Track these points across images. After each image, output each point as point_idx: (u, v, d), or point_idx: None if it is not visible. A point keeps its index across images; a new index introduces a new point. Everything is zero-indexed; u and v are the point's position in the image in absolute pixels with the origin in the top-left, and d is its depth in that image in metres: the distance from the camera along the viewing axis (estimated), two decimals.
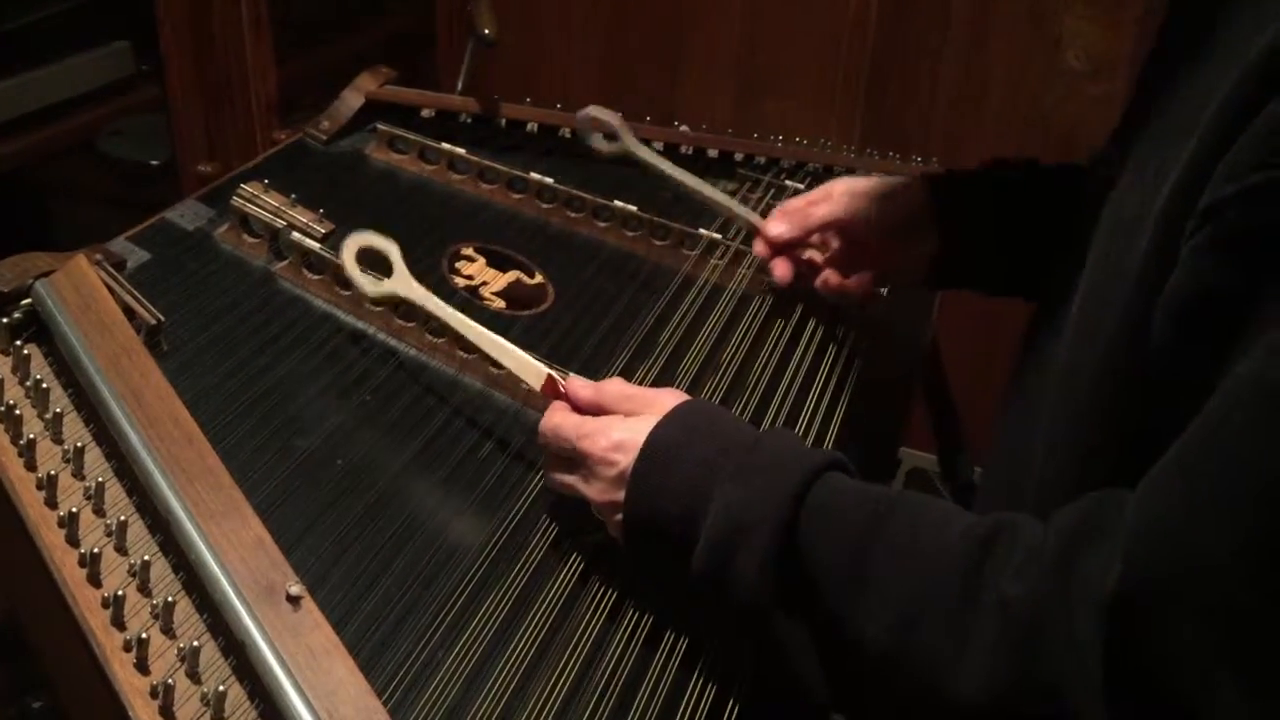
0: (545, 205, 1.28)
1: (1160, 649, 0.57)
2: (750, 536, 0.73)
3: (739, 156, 1.43)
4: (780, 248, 1.14)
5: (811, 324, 1.16)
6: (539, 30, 2.26)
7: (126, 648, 0.74)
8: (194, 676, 0.73)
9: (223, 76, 1.95)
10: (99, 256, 0.97)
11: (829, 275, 1.13)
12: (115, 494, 0.82)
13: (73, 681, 0.79)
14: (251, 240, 1.10)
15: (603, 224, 1.27)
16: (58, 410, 0.85)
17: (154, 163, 2.18)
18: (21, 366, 0.88)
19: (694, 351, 1.10)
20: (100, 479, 0.81)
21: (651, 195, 1.32)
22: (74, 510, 0.79)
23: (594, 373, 1.03)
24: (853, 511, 0.73)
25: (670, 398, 0.84)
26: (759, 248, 1.16)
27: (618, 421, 0.82)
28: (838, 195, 1.12)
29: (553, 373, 0.89)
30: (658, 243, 1.25)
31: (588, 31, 2.24)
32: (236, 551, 0.77)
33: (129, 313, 0.92)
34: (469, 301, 1.10)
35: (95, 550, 0.77)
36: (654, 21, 2.18)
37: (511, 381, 1.02)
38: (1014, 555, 0.66)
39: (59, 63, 1.96)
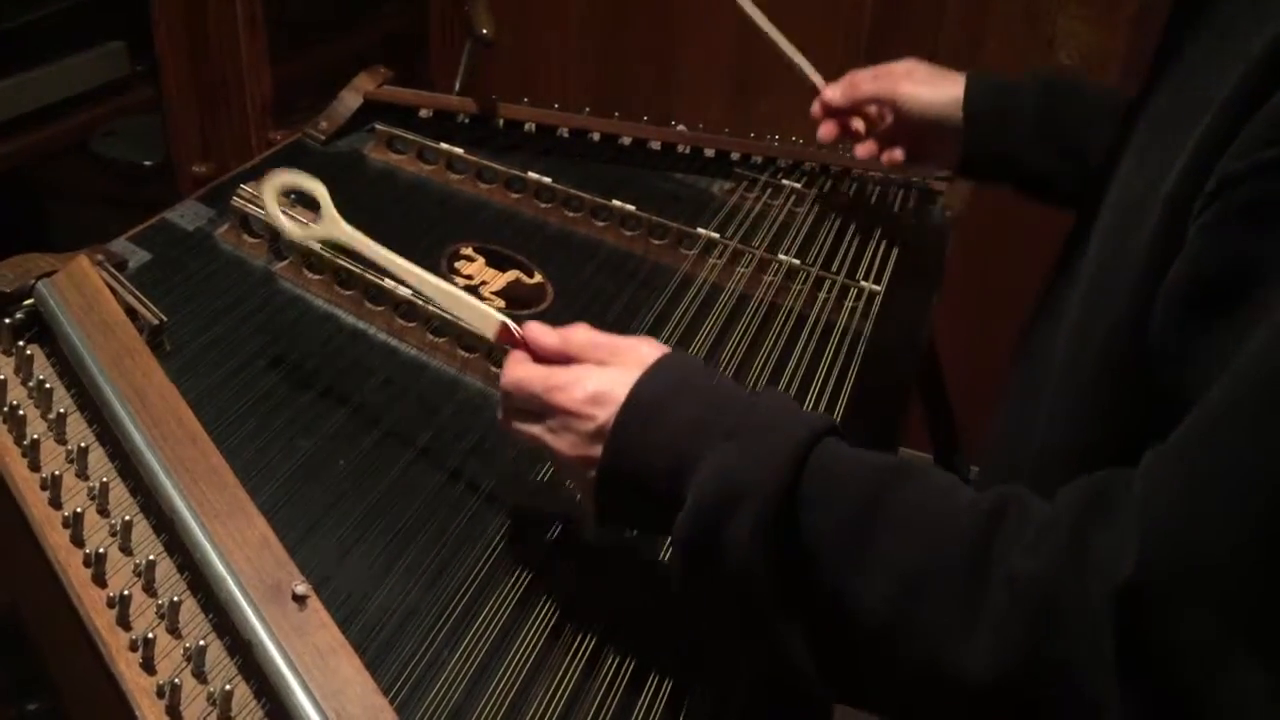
0: (543, 205, 1.28)
1: (1174, 636, 0.57)
2: (745, 501, 0.68)
3: (735, 156, 1.43)
4: (831, 111, 1.26)
5: (809, 324, 1.17)
6: (534, 30, 2.26)
7: (132, 647, 0.74)
8: (200, 676, 0.73)
9: (218, 77, 1.95)
10: (100, 257, 0.97)
11: (863, 146, 1.26)
12: (119, 494, 0.82)
13: (77, 682, 0.79)
14: (252, 240, 1.10)
15: (601, 223, 1.27)
16: (61, 411, 0.85)
17: (147, 163, 2.18)
18: (24, 367, 0.88)
19: (693, 351, 1.11)
20: (104, 479, 0.81)
21: (649, 194, 1.32)
22: (79, 510, 0.79)
23: None
24: (854, 479, 0.69)
25: (646, 346, 0.78)
26: (814, 108, 1.28)
27: (593, 371, 0.76)
28: (897, 73, 1.24)
29: (507, 320, 0.82)
30: (656, 242, 1.25)
31: (583, 31, 2.24)
32: (242, 551, 0.77)
33: (131, 313, 0.92)
34: None
35: (100, 550, 0.77)
36: (648, 21, 2.19)
37: None
38: (1024, 530, 0.64)
39: (54, 63, 1.96)
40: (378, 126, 1.29)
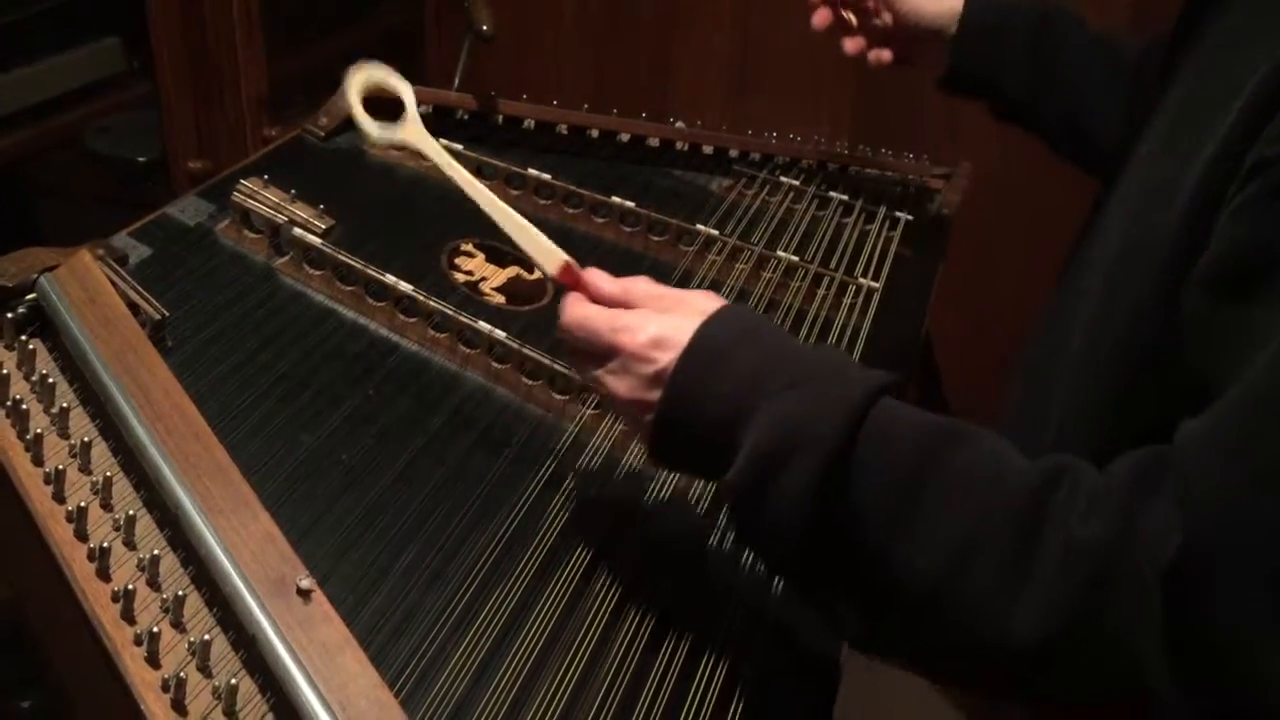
0: (543, 201, 1.28)
1: (1219, 611, 0.59)
2: (801, 453, 0.68)
3: (734, 153, 1.43)
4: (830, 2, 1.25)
5: (809, 320, 1.17)
6: (530, 27, 2.26)
7: (137, 641, 0.74)
8: (205, 670, 0.73)
9: (213, 73, 1.94)
10: (101, 251, 0.97)
11: (852, 41, 1.25)
12: (122, 488, 0.82)
13: (83, 676, 0.79)
14: (252, 236, 1.10)
15: (600, 220, 1.27)
16: (64, 405, 0.85)
17: (140, 159, 2.17)
18: (26, 361, 0.88)
19: None
20: (107, 474, 0.81)
21: (648, 191, 1.33)
22: (82, 505, 0.79)
23: None
24: (908, 439, 0.70)
25: (704, 299, 0.78)
26: None
27: (656, 316, 0.77)
28: None
29: (570, 260, 0.83)
30: (655, 238, 1.25)
31: (579, 28, 2.24)
32: (246, 545, 0.77)
33: (133, 308, 0.92)
34: (468, 297, 1.10)
35: (105, 545, 0.77)
36: (644, 19, 2.19)
37: (512, 377, 1.02)
38: (1077, 499, 0.65)
39: (49, 59, 1.95)
40: None
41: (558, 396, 1.02)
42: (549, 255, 0.84)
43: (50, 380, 0.86)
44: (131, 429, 0.83)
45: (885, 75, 1.27)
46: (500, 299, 1.12)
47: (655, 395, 0.75)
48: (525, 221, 0.86)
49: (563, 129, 1.38)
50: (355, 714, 0.70)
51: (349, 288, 1.07)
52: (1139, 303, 0.74)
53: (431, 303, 1.04)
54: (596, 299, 0.81)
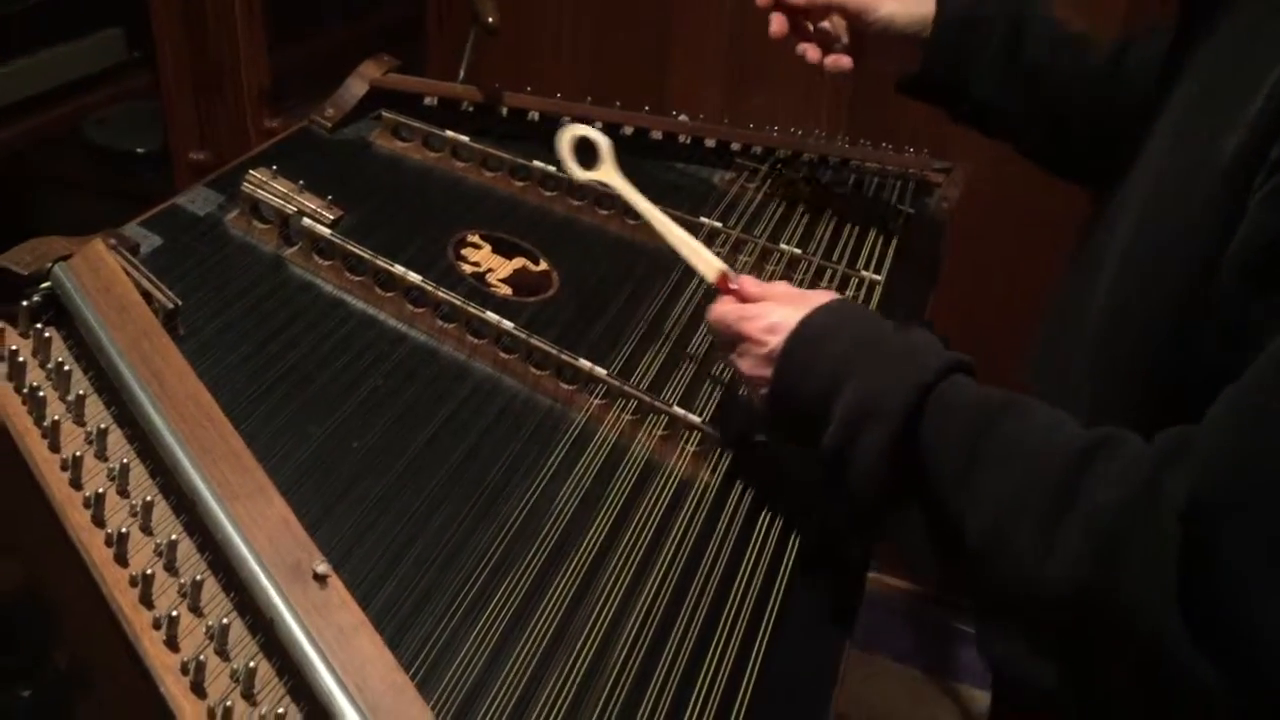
0: (548, 193, 1.29)
1: (1230, 557, 0.62)
2: (874, 421, 0.81)
3: (736, 146, 1.44)
4: (781, 6, 1.20)
5: None
6: (530, 20, 2.26)
7: (156, 625, 0.75)
8: (223, 654, 0.74)
9: (215, 64, 1.95)
10: (114, 241, 0.97)
11: (808, 49, 1.22)
12: (139, 475, 0.83)
13: (102, 661, 0.80)
14: (262, 226, 1.11)
15: (605, 212, 1.28)
16: (80, 393, 0.86)
17: (140, 151, 2.17)
18: (42, 349, 0.89)
19: (698, 339, 1.12)
20: (124, 460, 0.82)
21: (651, 184, 1.33)
22: (100, 491, 0.80)
23: (602, 357, 1.05)
24: (969, 410, 0.80)
25: (821, 295, 0.93)
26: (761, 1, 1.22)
27: (774, 308, 0.92)
28: None
29: (727, 268, 1.00)
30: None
31: (578, 22, 2.25)
32: (263, 531, 0.78)
33: (146, 296, 0.93)
34: (475, 288, 1.11)
35: (123, 530, 0.78)
36: (643, 12, 2.19)
37: (520, 367, 1.03)
38: (1111, 467, 0.71)
39: (51, 49, 1.95)
40: (384, 114, 1.30)
41: (565, 386, 1.03)
42: (709, 266, 1.01)
43: (66, 368, 0.87)
44: (147, 415, 0.84)
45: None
46: (507, 290, 1.13)
47: (769, 372, 0.89)
48: (690, 237, 1.05)
49: (566, 121, 1.39)
50: (372, 697, 0.71)
51: (358, 278, 1.08)
52: (1163, 290, 0.76)
53: (440, 293, 1.05)
54: (744, 299, 0.96)
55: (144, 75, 2.08)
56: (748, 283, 0.97)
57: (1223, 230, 0.70)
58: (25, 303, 0.91)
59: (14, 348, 0.88)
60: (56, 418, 0.84)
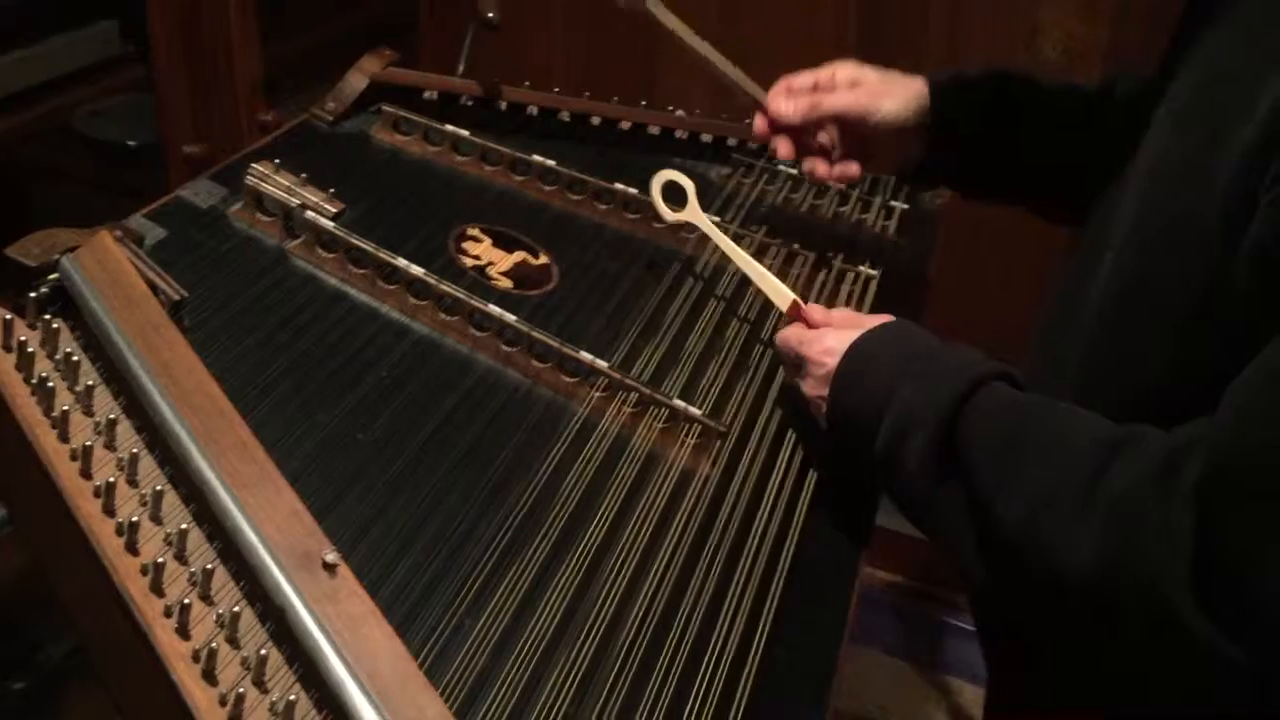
0: (547, 188, 1.30)
1: (1241, 531, 0.64)
2: (917, 429, 0.87)
3: (732, 141, 1.45)
4: (781, 128, 1.20)
5: None
6: (523, 14, 2.27)
7: (167, 613, 0.75)
8: (234, 642, 0.75)
9: (209, 57, 1.95)
10: (120, 233, 0.98)
11: (817, 164, 1.21)
12: (148, 465, 0.84)
13: (112, 650, 0.80)
14: (265, 219, 1.11)
15: (604, 206, 1.29)
16: (89, 383, 0.86)
17: (132, 144, 2.17)
18: (50, 340, 0.89)
19: (697, 332, 1.13)
20: (133, 450, 0.83)
21: (649, 179, 1.34)
22: (110, 481, 0.80)
23: (602, 350, 1.06)
24: (1004, 415, 0.85)
25: (875, 319, 1.00)
26: (758, 125, 1.22)
27: (832, 332, 0.99)
28: (842, 86, 1.19)
29: (798, 299, 1.07)
30: (658, 225, 1.27)
31: (570, 16, 2.25)
32: (272, 520, 0.79)
33: (152, 288, 0.93)
34: (476, 281, 1.12)
35: (133, 519, 0.78)
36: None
37: (522, 360, 1.04)
38: (1134, 455, 0.74)
39: (44, 42, 1.95)
40: (385, 108, 1.31)
41: (567, 379, 1.04)
42: (781, 296, 1.08)
43: (74, 359, 0.88)
44: (156, 406, 0.84)
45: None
46: (507, 283, 1.14)
47: (826, 391, 0.96)
48: (766, 271, 1.11)
49: (565, 116, 1.40)
50: (382, 685, 0.72)
51: (361, 271, 1.08)
52: (1169, 284, 0.78)
53: (443, 286, 1.06)
54: (810, 325, 1.03)
55: (137, 68, 2.08)
56: (814, 310, 1.05)
57: (1237, 220, 0.71)
58: (33, 294, 0.91)
59: (23, 338, 0.88)
60: (65, 408, 0.84)
